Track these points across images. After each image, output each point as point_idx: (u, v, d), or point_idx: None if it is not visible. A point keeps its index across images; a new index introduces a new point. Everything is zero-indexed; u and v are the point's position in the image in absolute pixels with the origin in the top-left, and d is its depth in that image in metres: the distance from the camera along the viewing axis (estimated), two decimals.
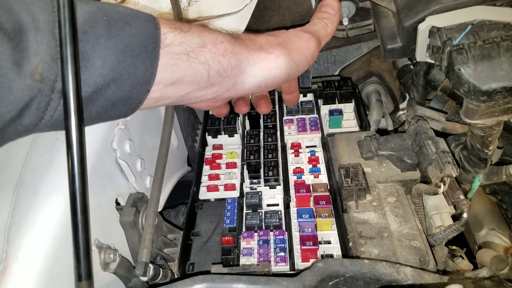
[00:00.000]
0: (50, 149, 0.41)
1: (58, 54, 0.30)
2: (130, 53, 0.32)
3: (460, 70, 0.46)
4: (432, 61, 0.52)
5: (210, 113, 0.74)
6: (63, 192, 0.36)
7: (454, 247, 0.66)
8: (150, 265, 0.46)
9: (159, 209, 0.57)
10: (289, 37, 0.43)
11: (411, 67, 0.78)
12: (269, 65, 0.40)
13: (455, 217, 0.61)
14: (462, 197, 0.52)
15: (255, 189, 0.60)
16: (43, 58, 0.29)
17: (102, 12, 0.33)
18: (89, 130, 0.45)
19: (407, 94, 0.85)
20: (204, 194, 0.61)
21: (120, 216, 0.47)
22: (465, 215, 0.51)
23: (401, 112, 0.88)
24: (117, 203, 0.48)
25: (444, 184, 0.49)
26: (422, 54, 0.52)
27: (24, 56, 0.28)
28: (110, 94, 0.33)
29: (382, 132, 0.76)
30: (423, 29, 0.49)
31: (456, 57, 0.46)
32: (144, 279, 0.45)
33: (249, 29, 0.58)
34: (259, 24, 0.69)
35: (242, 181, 0.62)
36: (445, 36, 0.47)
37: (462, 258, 0.64)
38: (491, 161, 0.58)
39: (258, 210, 0.57)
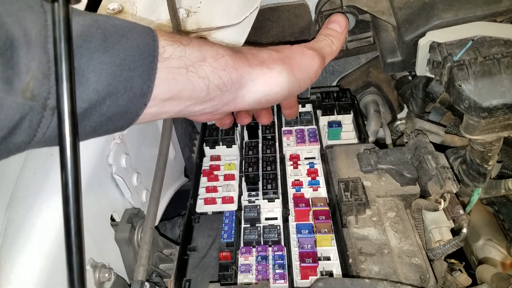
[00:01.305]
0: (44, 165, 0.40)
1: (50, 70, 0.29)
2: (126, 67, 0.31)
3: (460, 86, 0.46)
4: (432, 76, 0.52)
5: (209, 123, 0.73)
6: (57, 211, 0.35)
7: (453, 261, 0.65)
8: (146, 283, 0.45)
9: (156, 224, 0.56)
10: (293, 53, 0.42)
11: (410, 78, 0.78)
12: (270, 81, 0.40)
13: (454, 231, 0.60)
14: (461, 212, 0.52)
15: (254, 202, 0.59)
16: (35, 75, 0.28)
17: (97, 25, 0.32)
18: (84, 145, 0.44)
19: (405, 105, 0.85)
20: (201, 207, 0.60)
21: (115, 233, 0.46)
22: (464, 230, 0.51)
23: (399, 122, 0.87)
24: (112, 219, 0.47)
25: (444, 201, 0.49)
26: (422, 69, 0.52)
27: (15, 73, 0.27)
28: (105, 109, 0.32)
29: (380, 145, 0.75)
30: (423, 44, 0.49)
31: (457, 73, 0.46)
32: None
33: (248, 41, 0.57)
34: (258, 35, 0.68)
35: (240, 193, 0.61)
36: (446, 51, 0.47)
37: (461, 271, 0.63)
38: (490, 175, 0.58)
39: (257, 225, 0.56)
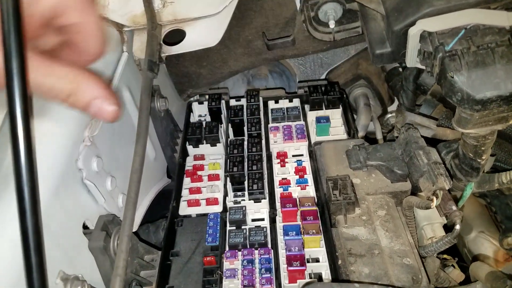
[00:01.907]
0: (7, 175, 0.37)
1: None
2: None
3: (453, 77, 0.43)
4: (423, 67, 0.49)
5: (191, 120, 0.70)
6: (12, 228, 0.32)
7: (445, 256, 0.63)
8: None
9: (135, 229, 0.53)
10: None
11: (400, 69, 0.76)
12: None
13: (447, 227, 0.58)
14: (454, 208, 0.50)
15: (239, 203, 0.56)
16: None
17: None
18: (49, 149, 0.41)
19: (395, 98, 0.82)
20: (184, 209, 0.58)
21: (88, 242, 0.43)
22: (457, 226, 0.49)
23: (389, 115, 0.85)
24: (86, 227, 0.44)
25: (436, 198, 0.47)
26: (412, 60, 0.49)
27: None
28: None
29: (371, 140, 0.73)
30: (413, 33, 0.46)
31: (448, 64, 0.43)
32: None
33: (229, 33, 0.54)
34: (240, 27, 0.65)
35: (226, 194, 0.58)
36: (437, 41, 0.44)
37: (454, 267, 0.62)
38: (484, 169, 0.56)
39: (243, 227, 0.53)
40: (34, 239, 0.29)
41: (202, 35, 0.56)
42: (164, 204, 0.68)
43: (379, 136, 0.76)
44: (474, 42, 0.43)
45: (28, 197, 0.29)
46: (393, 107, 0.87)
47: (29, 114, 0.28)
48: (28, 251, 0.29)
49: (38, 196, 0.29)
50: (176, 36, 0.59)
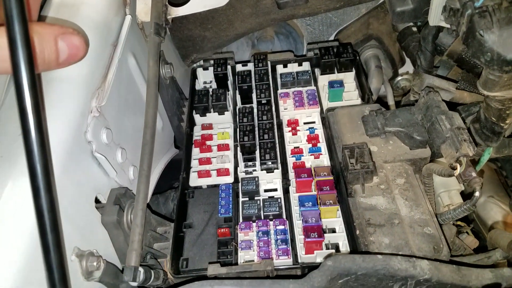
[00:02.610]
0: (11, 148, 0.35)
1: None
2: None
3: (482, 36, 0.40)
4: (448, 26, 0.46)
5: (197, 88, 0.67)
6: (29, 201, 0.30)
7: (459, 223, 0.63)
8: (140, 268, 0.41)
9: (147, 202, 0.52)
10: None
11: (413, 29, 0.72)
12: None
13: (464, 193, 0.57)
14: (474, 174, 0.48)
15: (251, 173, 0.55)
16: None
17: None
18: (57, 122, 0.39)
19: (407, 59, 0.79)
20: (195, 180, 0.56)
21: (102, 216, 0.42)
22: (477, 193, 0.47)
23: (399, 78, 0.82)
24: (98, 201, 0.42)
25: (460, 165, 0.45)
26: (436, 18, 0.46)
27: None
28: None
29: (382, 104, 0.70)
30: None
31: (478, 21, 0.40)
32: (134, 284, 0.41)
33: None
34: None
35: (236, 165, 0.56)
36: None
37: (468, 234, 0.61)
38: (504, 134, 0.54)
39: (256, 198, 0.52)
40: (50, 217, 0.27)
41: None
42: (172, 175, 0.66)
43: (390, 101, 0.74)
44: None
45: (41, 174, 0.28)
46: (403, 69, 0.84)
47: (37, 87, 0.26)
48: (45, 230, 0.28)
49: (52, 172, 0.27)
50: None
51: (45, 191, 0.28)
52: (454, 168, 0.45)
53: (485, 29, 0.40)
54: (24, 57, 0.26)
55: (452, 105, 0.60)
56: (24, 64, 0.27)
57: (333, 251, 0.46)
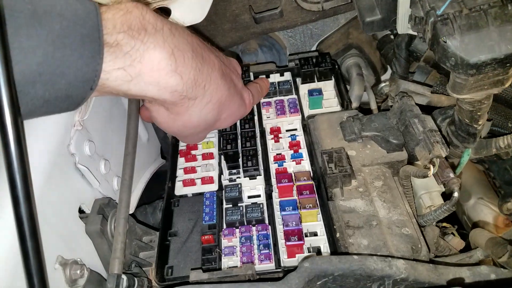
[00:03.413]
0: None
1: None
2: (61, 45, 0.27)
3: (445, 42, 0.42)
4: (415, 33, 0.48)
5: None
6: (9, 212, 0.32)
7: (445, 224, 0.64)
8: (123, 276, 0.42)
9: (131, 211, 0.53)
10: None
11: (392, 37, 0.74)
12: None
13: (446, 195, 0.58)
14: (452, 175, 0.49)
15: (235, 180, 0.56)
16: None
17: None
18: (40, 135, 0.40)
19: (388, 66, 0.81)
20: (180, 189, 0.57)
21: (85, 226, 0.43)
22: (456, 194, 0.48)
23: (383, 84, 0.84)
24: (82, 211, 0.44)
25: (433, 166, 0.46)
26: (403, 26, 0.48)
27: None
28: (40, 93, 0.28)
29: (365, 110, 0.72)
30: None
31: (441, 28, 0.42)
32: None
33: (216, 7, 0.52)
34: (226, 1, 0.63)
35: (221, 172, 0.58)
36: (428, 5, 0.43)
37: (454, 235, 0.62)
38: (480, 135, 0.55)
39: (239, 204, 0.53)
40: (29, 225, 0.28)
41: (187, 12, 0.54)
42: (160, 185, 0.68)
43: (373, 106, 0.75)
44: (466, 4, 0.41)
45: (20, 184, 0.29)
46: (386, 76, 0.86)
47: (16, 101, 0.28)
48: (24, 237, 0.29)
49: (31, 182, 0.28)
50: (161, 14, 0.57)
51: (24, 199, 0.29)
52: (428, 169, 0.47)
53: (447, 35, 0.41)
54: (2, 71, 0.28)
55: (431, 109, 0.62)
56: (2, 78, 0.28)
57: (315, 254, 0.47)
